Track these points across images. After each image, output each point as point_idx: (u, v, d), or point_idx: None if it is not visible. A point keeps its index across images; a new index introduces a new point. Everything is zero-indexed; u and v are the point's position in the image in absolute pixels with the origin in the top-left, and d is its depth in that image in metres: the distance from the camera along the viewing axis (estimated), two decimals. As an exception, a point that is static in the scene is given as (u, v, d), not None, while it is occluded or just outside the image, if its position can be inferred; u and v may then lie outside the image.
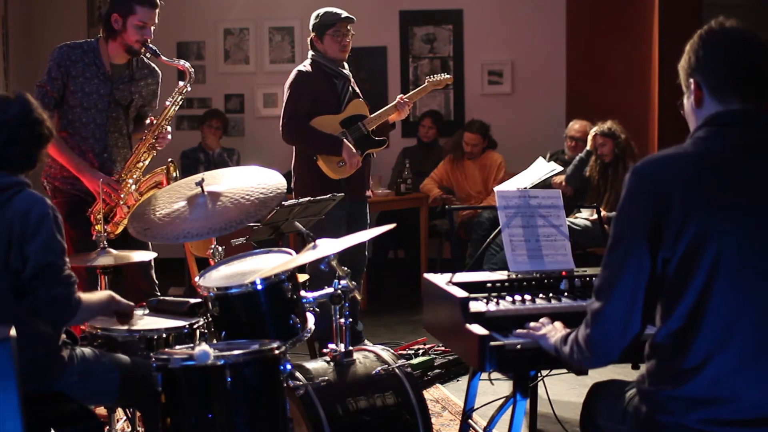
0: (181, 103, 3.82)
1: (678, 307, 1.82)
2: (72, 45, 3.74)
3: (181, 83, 3.76)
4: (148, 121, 3.81)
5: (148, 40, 3.70)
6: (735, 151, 1.84)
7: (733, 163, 1.82)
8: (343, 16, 4.42)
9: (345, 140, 4.40)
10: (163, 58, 3.73)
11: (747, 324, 1.77)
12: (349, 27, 4.45)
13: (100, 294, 2.66)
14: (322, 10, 4.47)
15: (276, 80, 7.46)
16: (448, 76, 4.87)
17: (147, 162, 3.79)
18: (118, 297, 2.70)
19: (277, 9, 7.49)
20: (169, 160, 3.80)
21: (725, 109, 1.86)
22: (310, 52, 4.52)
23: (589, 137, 5.73)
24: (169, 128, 3.82)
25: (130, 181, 3.72)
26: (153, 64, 3.91)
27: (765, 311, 1.77)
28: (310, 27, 4.49)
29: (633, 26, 6.41)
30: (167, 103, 3.78)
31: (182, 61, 3.80)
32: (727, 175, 1.81)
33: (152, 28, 3.72)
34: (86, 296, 2.48)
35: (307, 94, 4.42)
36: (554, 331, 2.16)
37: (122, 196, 3.67)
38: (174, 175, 3.71)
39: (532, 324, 2.26)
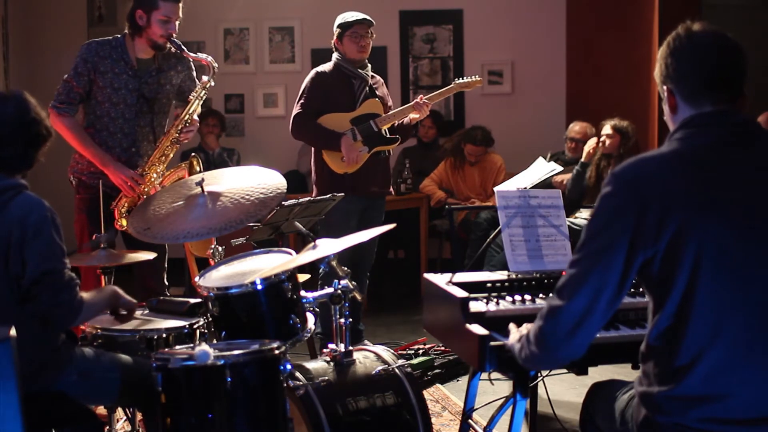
0: (205, 97, 3.83)
1: (665, 306, 1.82)
2: (100, 42, 3.75)
3: (204, 78, 3.78)
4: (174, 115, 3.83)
5: (173, 34, 3.72)
6: (711, 147, 1.86)
7: (710, 159, 1.84)
8: (359, 18, 4.53)
9: (345, 136, 4.47)
10: (187, 52, 3.76)
11: (735, 318, 1.77)
12: (370, 30, 4.55)
13: (104, 290, 2.64)
14: (344, 13, 4.60)
15: (276, 80, 7.48)
16: (479, 78, 4.81)
17: (171, 155, 3.81)
18: (121, 292, 2.67)
19: (277, 9, 7.49)
20: (192, 154, 3.82)
21: (699, 112, 1.89)
22: (334, 54, 4.63)
23: (586, 148, 5.66)
24: (196, 117, 3.83)
25: (154, 175, 3.73)
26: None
27: (753, 304, 1.78)
28: (334, 30, 4.60)
29: (633, 26, 6.41)
30: (191, 97, 3.79)
31: (206, 56, 3.81)
32: (705, 170, 1.83)
33: (177, 22, 3.73)
34: (88, 295, 2.46)
35: (320, 92, 4.53)
36: (523, 329, 2.15)
37: (145, 189, 3.67)
38: (197, 170, 3.73)
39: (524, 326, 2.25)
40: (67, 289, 2.36)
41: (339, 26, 4.55)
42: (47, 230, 2.35)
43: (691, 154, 1.85)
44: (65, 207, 5.59)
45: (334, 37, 4.59)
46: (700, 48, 1.89)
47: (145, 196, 3.67)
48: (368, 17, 4.56)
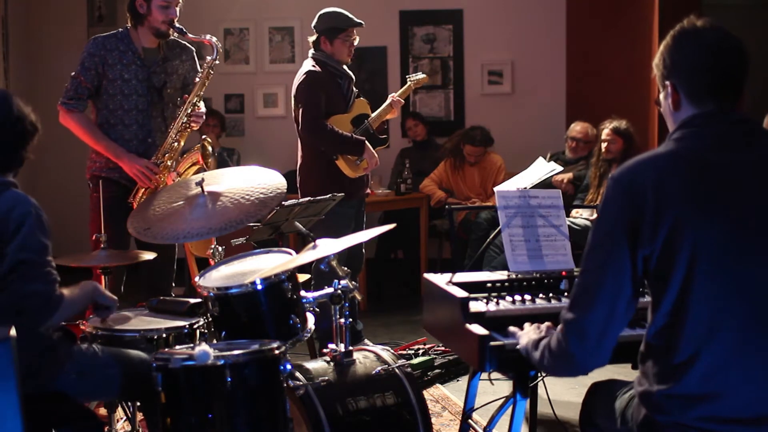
0: (211, 77, 3.83)
1: (662, 304, 1.82)
2: (105, 36, 3.77)
3: (209, 58, 3.78)
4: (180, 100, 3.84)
5: (174, 19, 3.72)
6: (708, 147, 1.85)
7: (706, 158, 1.84)
8: (356, 21, 4.46)
9: (366, 142, 4.46)
10: (190, 35, 3.76)
11: (731, 316, 1.77)
12: (355, 31, 4.51)
13: (84, 285, 2.59)
14: (331, 11, 4.48)
15: (276, 80, 7.48)
16: (423, 75, 4.93)
17: (183, 142, 3.81)
18: (101, 288, 2.66)
19: (277, 9, 7.49)
20: (203, 137, 3.82)
21: (701, 111, 1.88)
22: (312, 52, 4.53)
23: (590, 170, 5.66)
24: (202, 107, 3.83)
25: (169, 162, 3.73)
26: (183, 42, 3.91)
27: (748, 302, 1.78)
28: (316, 27, 4.49)
29: (633, 26, 6.41)
30: (197, 79, 3.80)
31: (209, 36, 3.81)
32: (701, 170, 1.83)
33: (177, 7, 3.74)
34: (69, 291, 2.43)
35: (321, 93, 4.47)
36: (533, 332, 2.15)
37: (161, 178, 3.68)
38: (210, 150, 3.73)
39: (525, 326, 2.25)
40: (39, 281, 2.31)
41: (330, 27, 4.44)
42: (28, 224, 2.32)
43: (688, 154, 1.85)
44: (70, 206, 5.59)
45: (319, 36, 4.48)
46: (706, 47, 1.87)
47: (162, 185, 3.67)
48: (359, 19, 4.49)
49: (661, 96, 1.97)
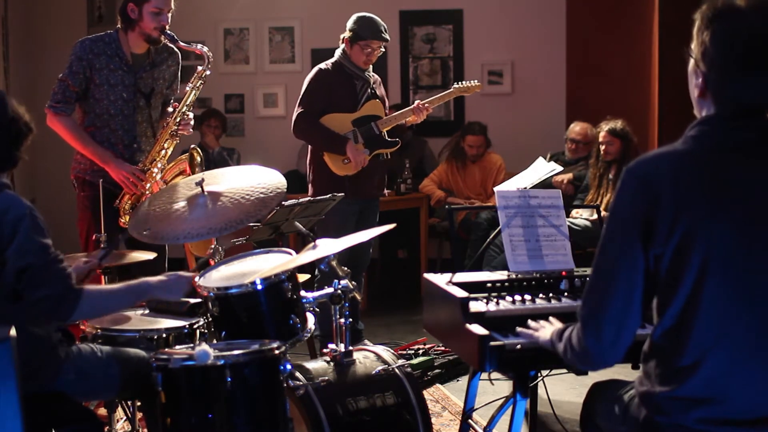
0: (201, 87, 3.82)
1: (671, 305, 1.81)
2: (93, 38, 3.75)
3: (200, 68, 3.77)
4: (170, 108, 3.82)
5: (166, 26, 3.70)
6: (725, 149, 1.83)
7: (724, 161, 1.82)
8: (380, 35, 4.45)
9: (351, 140, 4.47)
10: (181, 43, 3.75)
11: (740, 321, 1.77)
12: (382, 45, 4.50)
13: (132, 283, 2.51)
14: (364, 17, 4.49)
15: (276, 80, 7.48)
16: (478, 83, 4.84)
17: (170, 150, 3.79)
18: (158, 288, 2.56)
19: (277, 9, 7.49)
20: (192, 146, 3.82)
21: (723, 113, 1.85)
22: (339, 50, 4.56)
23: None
24: (191, 114, 3.82)
25: (155, 170, 3.73)
26: (171, 46, 3.89)
27: (757, 308, 1.77)
28: (347, 26, 4.51)
29: (633, 26, 6.41)
30: (187, 88, 3.79)
31: (200, 45, 3.80)
32: (717, 172, 1.80)
33: (169, 14, 3.72)
34: (99, 287, 2.38)
35: (323, 92, 4.49)
36: (552, 327, 2.15)
37: (147, 185, 3.67)
38: (198, 160, 3.72)
39: (532, 324, 2.26)
40: (46, 284, 2.27)
41: (354, 32, 4.45)
42: (23, 228, 2.28)
43: (706, 154, 1.82)
44: (67, 204, 5.58)
45: (346, 35, 4.51)
46: (755, 66, 1.78)
47: (148, 192, 3.66)
48: (387, 34, 4.49)
49: (690, 66, 1.89)
